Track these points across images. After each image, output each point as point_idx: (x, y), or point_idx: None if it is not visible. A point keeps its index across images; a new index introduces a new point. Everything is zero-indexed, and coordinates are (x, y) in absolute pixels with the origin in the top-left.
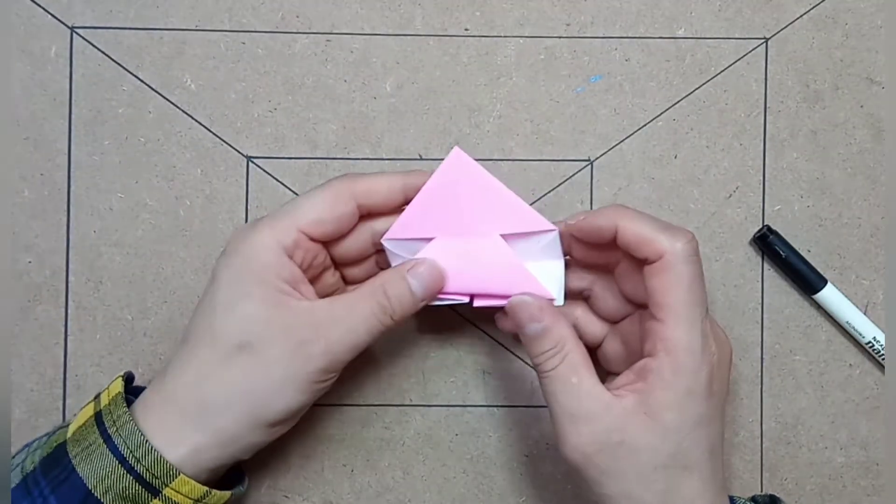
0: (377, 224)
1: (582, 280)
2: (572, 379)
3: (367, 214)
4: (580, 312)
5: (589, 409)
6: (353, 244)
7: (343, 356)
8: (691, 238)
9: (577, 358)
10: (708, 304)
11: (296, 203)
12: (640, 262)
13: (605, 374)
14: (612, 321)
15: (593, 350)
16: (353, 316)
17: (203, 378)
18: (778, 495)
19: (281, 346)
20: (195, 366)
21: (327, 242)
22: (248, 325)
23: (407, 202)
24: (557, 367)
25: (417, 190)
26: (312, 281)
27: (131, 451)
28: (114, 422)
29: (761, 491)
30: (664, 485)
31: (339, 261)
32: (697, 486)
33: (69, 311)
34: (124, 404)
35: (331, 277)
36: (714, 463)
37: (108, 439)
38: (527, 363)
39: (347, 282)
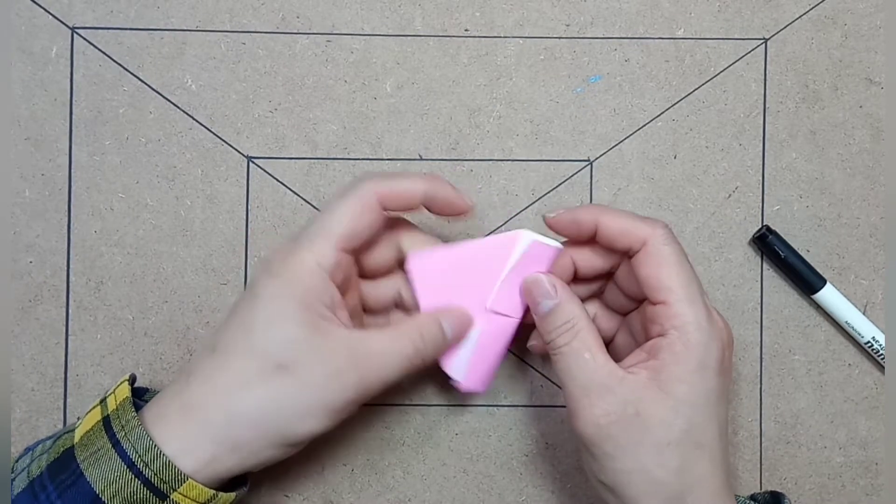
0: (402, 239)
1: (591, 286)
2: (585, 354)
3: (390, 226)
4: (595, 308)
5: (602, 382)
6: (378, 256)
7: (373, 390)
8: (667, 224)
9: (590, 335)
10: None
11: (327, 217)
12: (629, 262)
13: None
14: (623, 314)
15: (606, 344)
16: (390, 354)
17: (235, 390)
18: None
19: (317, 371)
20: (227, 377)
21: (358, 253)
22: (288, 347)
23: (425, 207)
24: (570, 342)
25: (437, 198)
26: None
27: (140, 456)
28: (122, 426)
29: (760, 490)
30: (678, 462)
31: (363, 273)
32: (709, 466)
33: (70, 311)
34: (133, 409)
35: (354, 298)
36: (723, 444)
37: (116, 444)
38: (527, 363)
39: (366, 304)
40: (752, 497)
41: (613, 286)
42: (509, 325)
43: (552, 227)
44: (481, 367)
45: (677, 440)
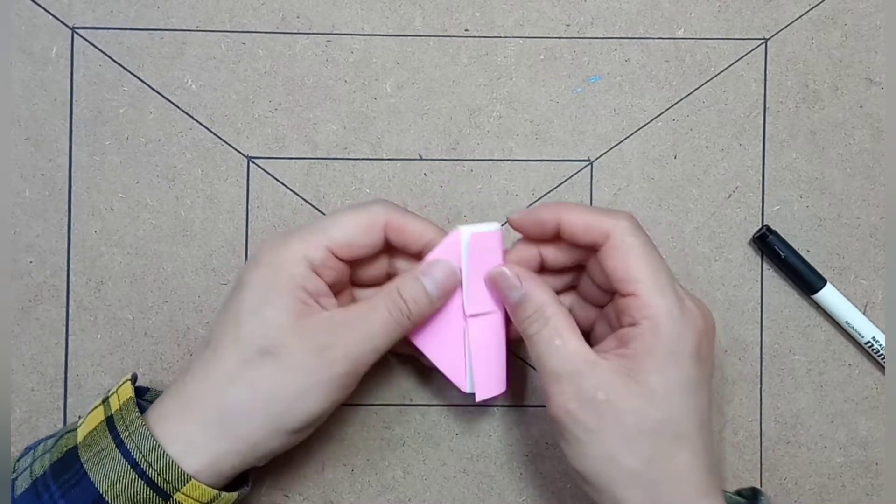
0: (397, 261)
1: (563, 278)
2: (556, 341)
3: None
4: (572, 299)
5: (573, 368)
6: (370, 270)
7: (363, 359)
8: (631, 215)
9: (561, 321)
10: (707, 299)
11: (330, 221)
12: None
13: None
14: (600, 306)
15: (587, 333)
16: (371, 319)
17: (225, 383)
18: (775, 493)
19: (300, 352)
20: (217, 371)
21: (352, 262)
22: (271, 332)
23: (422, 256)
24: (541, 330)
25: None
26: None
27: (143, 456)
28: (126, 426)
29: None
30: (651, 452)
31: (355, 282)
32: (689, 459)
33: (70, 311)
34: (136, 409)
35: (348, 297)
36: (705, 437)
37: (120, 444)
38: (527, 363)
39: None
40: (738, 493)
41: (587, 278)
42: (496, 321)
43: (516, 228)
44: (489, 371)
45: (651, 430)
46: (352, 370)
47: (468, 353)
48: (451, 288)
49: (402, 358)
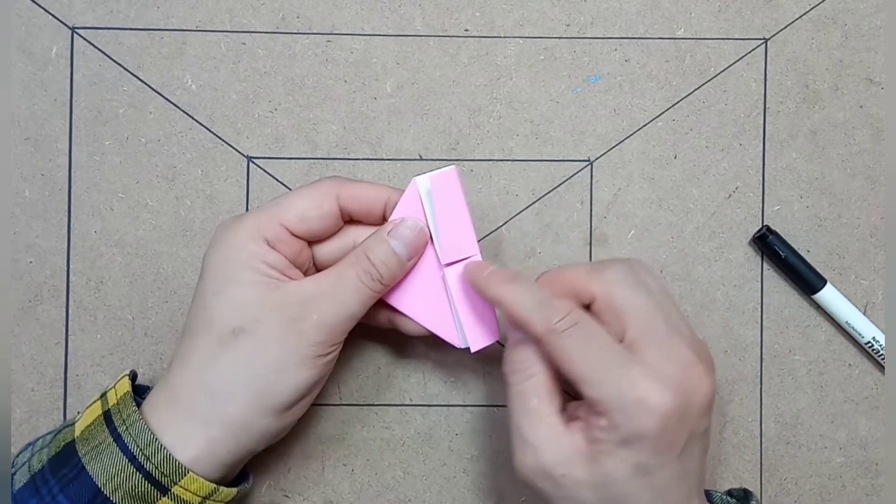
0: (359, 234)
1: None
2: (532, 401)
3: (349, 221)
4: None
5: (539, 438)
6: (333, 249)
7: (338, 327)
8: (568, 310)
9: (542, 381)
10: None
11: (281, 199)
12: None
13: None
14: None
15: None
16: (341, 286)
17: (204, 368)
18: (775, 493)
19: (273, 325)
20: (195, 357)
21: (311, 242)
22: (239, 309)
23: (386, 218)
24: (522, 382)
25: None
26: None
27: (141, 450)
28: (123, 420)
29: (760, 490)
30: None
31: (319, 265)
32: None
33: (70, 311)
34: (133, 403)
35: None
36: (665, 500)
37: (117, 438)
38: None
39: None
40: (729, 493)
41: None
42: None
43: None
44: (478, 320)
45: (607, 500)
46: (326, 339)
47: (452, 304)
48: (421, 245)
49: (383, 332)
